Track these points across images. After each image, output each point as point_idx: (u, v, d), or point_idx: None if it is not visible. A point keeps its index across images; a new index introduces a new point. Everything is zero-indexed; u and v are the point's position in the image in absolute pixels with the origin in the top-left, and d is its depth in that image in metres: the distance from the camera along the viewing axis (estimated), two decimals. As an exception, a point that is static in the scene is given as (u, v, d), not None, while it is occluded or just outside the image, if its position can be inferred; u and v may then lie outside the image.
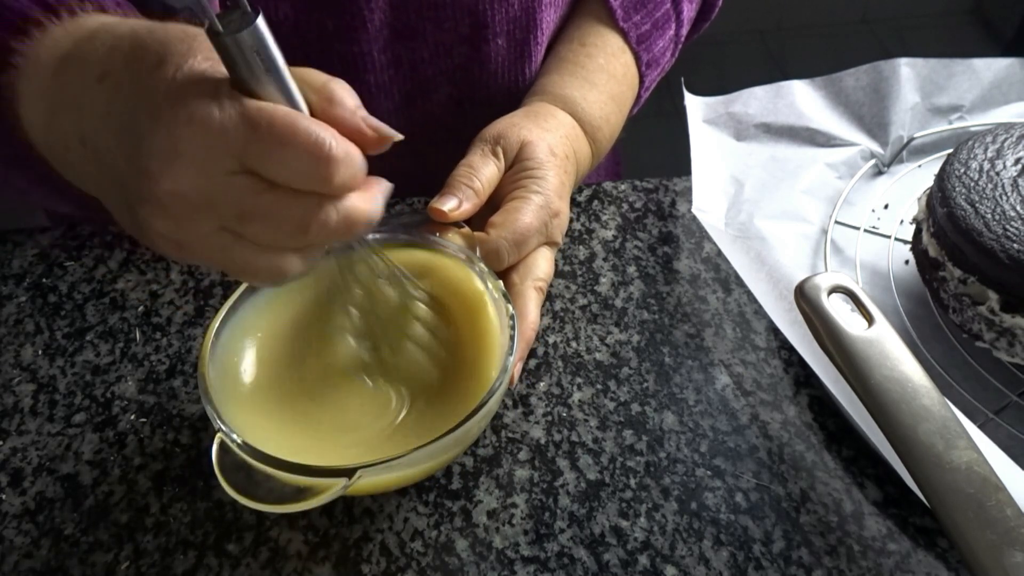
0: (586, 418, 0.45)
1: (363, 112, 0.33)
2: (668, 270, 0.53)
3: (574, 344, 0.49)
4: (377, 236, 0.46)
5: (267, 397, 0.41)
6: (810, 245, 0.53)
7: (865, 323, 0.40)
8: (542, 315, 0.50)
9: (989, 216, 0.43)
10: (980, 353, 0.45)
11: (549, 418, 0.45)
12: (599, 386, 0.47)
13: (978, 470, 0.35)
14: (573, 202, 0.58)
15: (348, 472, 0.34)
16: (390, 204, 0.58)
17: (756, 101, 0.60)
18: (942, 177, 0.47)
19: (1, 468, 0.44)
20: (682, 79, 0.60)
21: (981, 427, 0.42)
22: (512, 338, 0.40)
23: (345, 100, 0.33)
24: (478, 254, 0.45)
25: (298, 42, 0.53)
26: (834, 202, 0.55)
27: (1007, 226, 0.43)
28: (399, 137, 0.34)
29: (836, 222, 0.54)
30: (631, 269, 0.53)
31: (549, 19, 0.58)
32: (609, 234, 0.56)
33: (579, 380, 0.47)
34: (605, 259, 0.54)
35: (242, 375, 0.42)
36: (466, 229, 0.45)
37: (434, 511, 0.42)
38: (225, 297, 0.46)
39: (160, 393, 0.47)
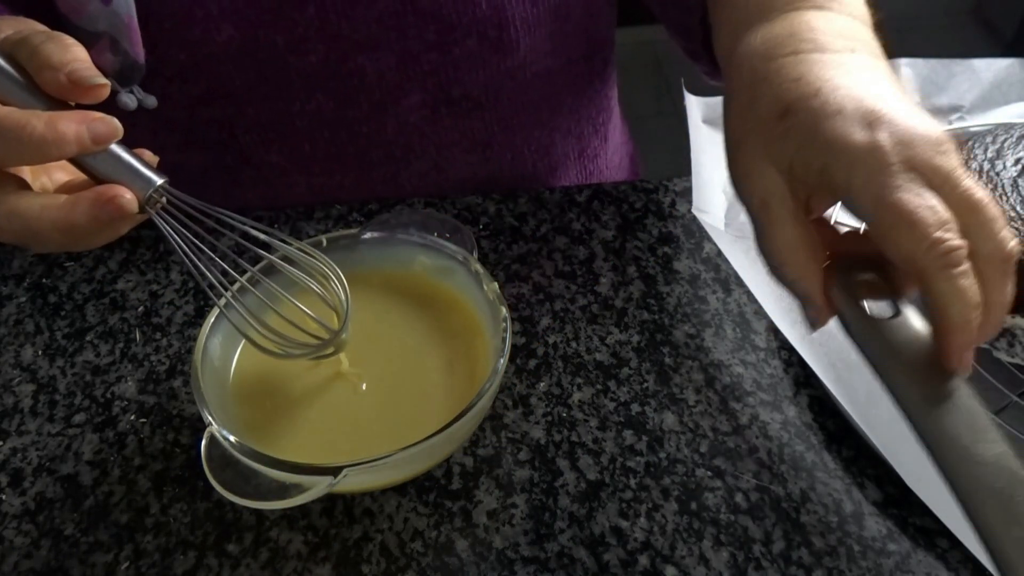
0: (586, 418, 0.45)
1: (72, 66, 0.32)
2: (668, 270, 0.53)
3: (574, 344, 0.49)
4: (374, 235, 0.46)
5: (259, 395, 0.41)
6: None
7: (891, 310, 0.40)
8: (541, 315, 0.50)
9: None
10: (980, 354, 0.45)
11: (549, 418, 0.45)
12: (599, 386, 0.47)
13: (1006, 464, 0.35)
14: (573, 202, 0.58)
15: (334, 471, 0.34)
16: (390, 204, 0.58)
17: None
18: None
19: (1, 468, 0.44)
20: (682, 79, 0.60)
21: None
22: (504, 340, 0.40)
23: (51, 58, 0.32)
24: (475, 255, 0.45)
25: (249, 61, 0.51)
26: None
27: (1008, 227, 0.43)
28: (103, 81, 0.33)
29: (835, 222, 0.54)
30: (631, 269, 0.53)
31: (524, 11, 0.54)
32: (609, 234, 0.56)
33: (579, 380, 0.47)
34: (605, 259, 0.54)
35: (235, 372, 0.42)
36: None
37: (434, 511, 0.42)
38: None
39: (160, 393, 0.47)
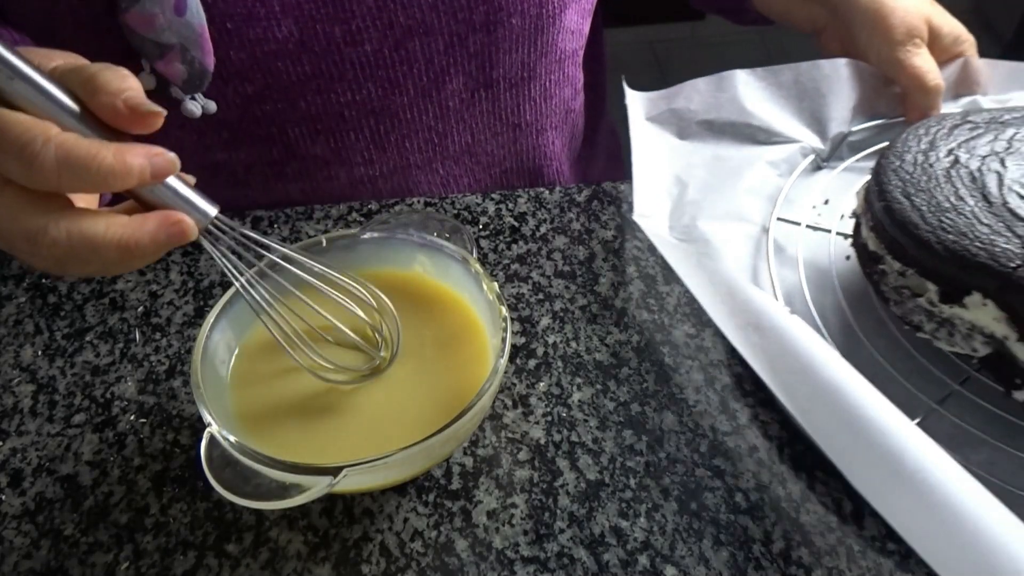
0: (586, 418, 0.45)
1: (127, 94, 0.33)
2: (668, 270, 0.53)
3: (574, 344, 0.49)
4: (374, 235, 0.46)
5: (259, 395, 0.41)
6: (752, 245, 0.53)
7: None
8: (541, 315, 0.50)
9: (925, 208, 0.43)
10: (923, 344, 0.45)
11: (549, 418, 0.45)
12: (599, 386, 0.47)
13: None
14: (573, 202, 0.58)
15: (334, 471, 0.34)
16: (390, 204, 0.58)
17: (698, 95, 0.59)
18: (878, 171, 0.47)
19: (1, 468, 0.44)
20: (623, 77, 0.60)
21: (924, 419, 0.42)
22: (504, 340, 0.40)
23: (109, 86, 0.32)
24: (475, 255, 0.45)
25: (306, 56, 0.53)
26: (775, 200, 0.55)
27: (942, 218, 0.43)
28: (159, 110, 0.34)
29: (778, 219, 0.54)
30: (631, 269, 0.53)
31: None
32: (609, 234, 0.56)
33: (579, 380, 0.47)
34: (605, 259, 0.54)
35: (234, 372, 0.42)
36: None
37: (434, 511, 0.42)
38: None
39: (160, 394, 0.47)
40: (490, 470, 0.43)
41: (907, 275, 0.44)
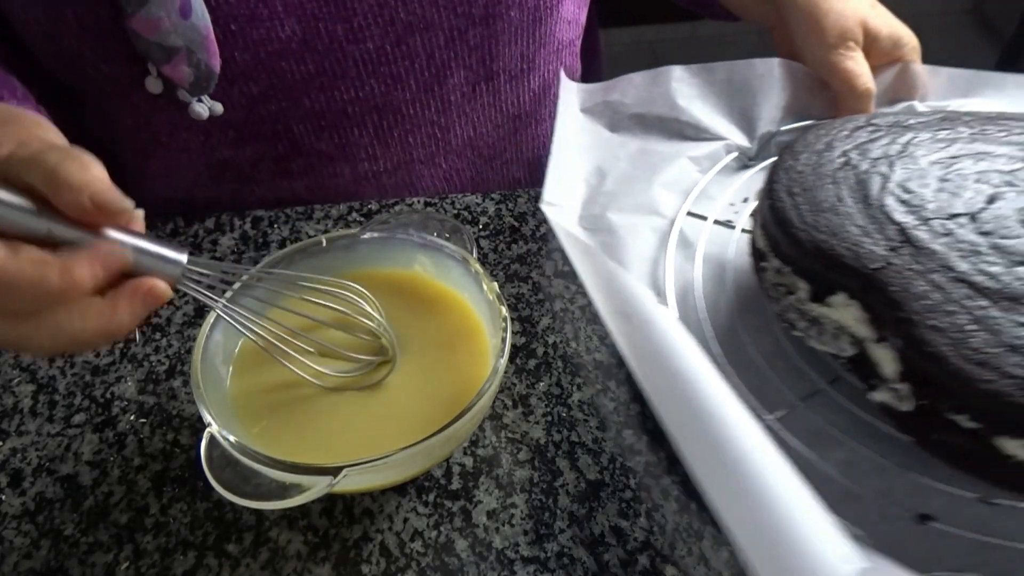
0: (586, 418, 0.45)
1: (92, 188, 0.31)
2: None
3: (574, 344, 0.49)
4: (374, 235, 0.46)
5: (258, 394, 0.41)
6: (658, 238, 0.53)
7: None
8: (541, 315, 0.50)
9: (805, 207, 0.43)
10: (799, 343, 0.45)
11: (549, 418, 0.45)
12: (599, 386, 0.47)
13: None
14: (573, 202, 0.58)
15: (334, 471, 0.34)
16: (390, 204, 0.58)
17: (634, 89, 0.59)
18: (773, 168, 0.47)
19: (1, 468, 0.44)
20: (561, 70, 0.59)
21: (788, 415, 0.42)
22: (504, 340, 0.40)
23: (71, 179, 0.31)
24: (475, 255, 0.45)
25: (309, 55, 0.53)
26: (694, 194, 0.55)
27: (818, 217, 0.42)
28: (128, 206, 0.32)
29: (688, 213, 0.54)
30: (631, 269, 0.53)
31: None
32: (609, 234, 0.56)
33: (579, 380, 0.47)
34: (605, 259, 0.54)
35: (235, 372, 0.42)
36: None
37: (434, 511, 0.42)
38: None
39: (160, 393, 0.47)
40: (490, 470, 0.43)
41: (783, 272, 0.44)
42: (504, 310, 0.41)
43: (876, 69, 0.58)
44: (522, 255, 0.55)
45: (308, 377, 0.40)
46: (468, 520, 0.41)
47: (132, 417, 0.46)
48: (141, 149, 0.57)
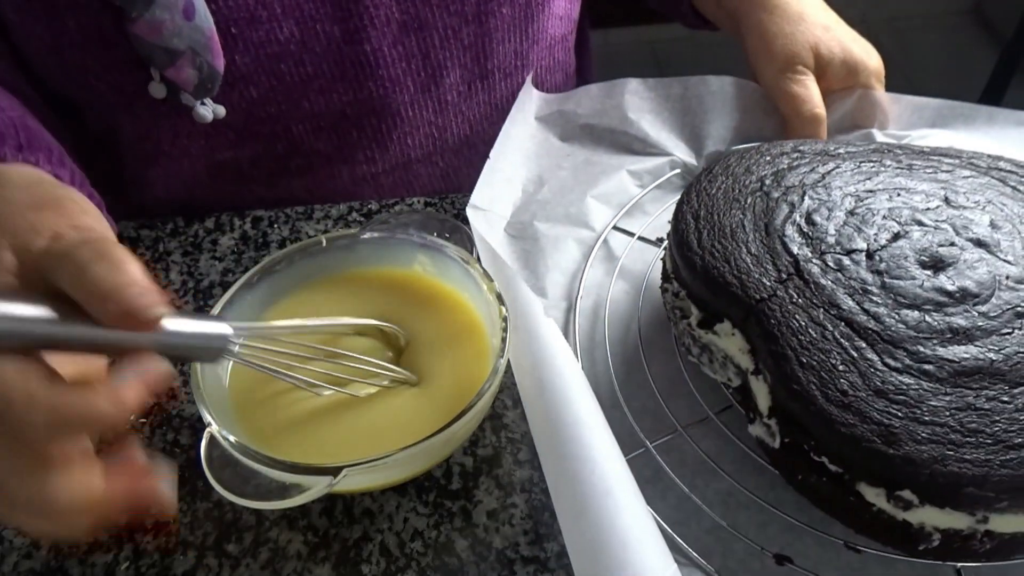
0: (586, 418, 0.45)
1: (121, 295, 0.28)
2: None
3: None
4: (374, 235, 0.46)
5: (259, 395, 0.41)
6: (581, 250, 0.53)
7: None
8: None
9: (705, 232, 0.43)
10: (695, 369, 0.44)
11: (549, 418, 0.45)
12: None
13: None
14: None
15: (334, 471, 0.34)
16: (390, 204, 0.58)
17: (589, 100, 0.59)
18: (687, 190, 0.46)
19: (1, 468, 0.44)
20: (528, 77, 0.60)
21: (669, 440, 0.42)
22: (504, 340, 0.40)
23: (102, 285, 0.28)
24: (474, 254, 0.45)
25: (308, 56, 0.53)
26: (625, 209, 0.54)
27: (716, 243, 0.42)
28: (161, 312, 0.30)
29: (615, 227, 0.53)
30: (631, 269, 0.53)
31: None
32: (609, 234, 0.55)
33: (579, 380, 0.47)
34: (605, 259, 0.54)
35: (234, 373, 0.42)
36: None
37: (434, 511, 0.42)
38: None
39: (160, 393, 0.47)
40: (490, 470, 0.43)
41: (680, 296, 0.43)
42: (504, 310, 0.41)
43: (833, 94, 0.57)
44: (522, 255, 0.54)
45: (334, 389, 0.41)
46: (468, 520, 0.41)
47: (132, 417, 0.46)
48: (143, 157, 0.57)
